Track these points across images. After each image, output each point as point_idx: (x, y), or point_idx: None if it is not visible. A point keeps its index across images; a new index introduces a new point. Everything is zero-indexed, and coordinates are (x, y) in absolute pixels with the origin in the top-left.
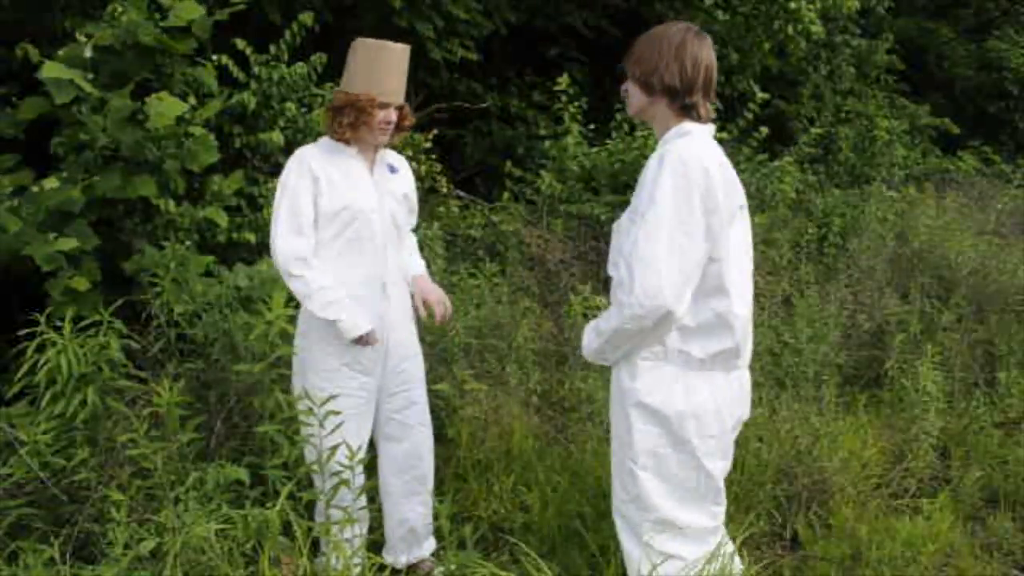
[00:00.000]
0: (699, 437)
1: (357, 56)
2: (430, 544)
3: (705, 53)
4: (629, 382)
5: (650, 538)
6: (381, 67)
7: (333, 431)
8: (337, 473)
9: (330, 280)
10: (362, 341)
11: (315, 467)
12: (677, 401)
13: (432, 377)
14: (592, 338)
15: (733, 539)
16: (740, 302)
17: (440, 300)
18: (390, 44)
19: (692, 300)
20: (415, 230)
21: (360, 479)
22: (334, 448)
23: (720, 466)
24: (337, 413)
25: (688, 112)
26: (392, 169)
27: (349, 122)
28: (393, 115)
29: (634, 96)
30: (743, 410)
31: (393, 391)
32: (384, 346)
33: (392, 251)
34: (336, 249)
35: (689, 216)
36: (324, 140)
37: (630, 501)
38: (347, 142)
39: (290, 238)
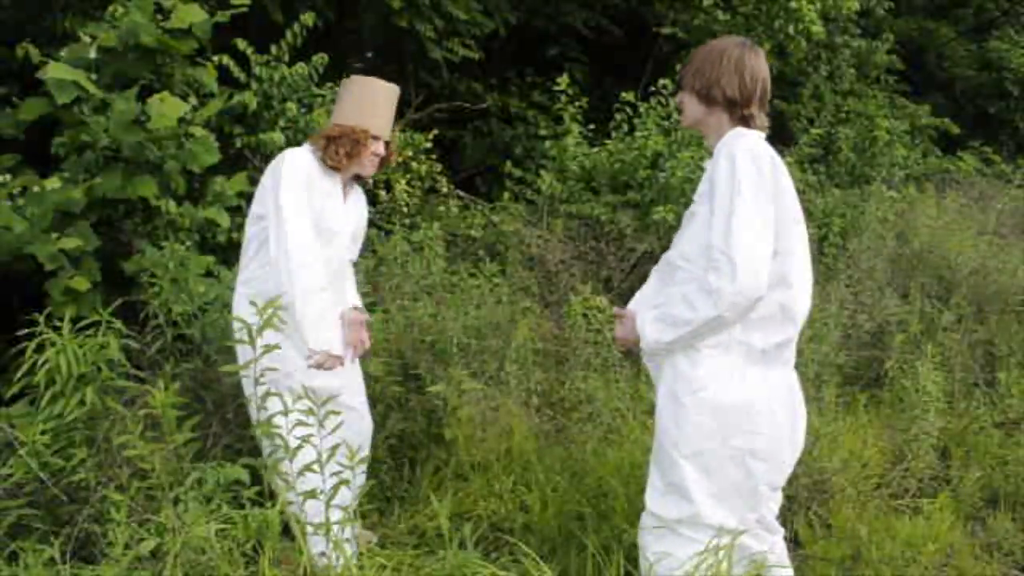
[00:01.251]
0: (747, 433)
1: (351, 91)
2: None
3: (761, 67)
4: (690, 370)
5: (676, 536)
6: (374, 103)
7: (335, 430)
8: (337, 473)
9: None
10: (326, 361)
11: (314, 467)
12: (733, 392)
13: (430, 378)
14: (662, 328)
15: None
16: (803, 296)
17: (363, 338)
18: (382, 82)
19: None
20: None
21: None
22: (335, 447)
23: (762, 468)
24: (338, 413)
25: (745, 123)
26: (358, 197)
27: (346, 152)
28: (382, 149)
29: (691, 107)
30: (799, 422)
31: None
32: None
33: (349, 279)
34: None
35: (766, 206)
36: (313, 153)
37: (669, 493)
38: (339, 170)
39: (307, 228)
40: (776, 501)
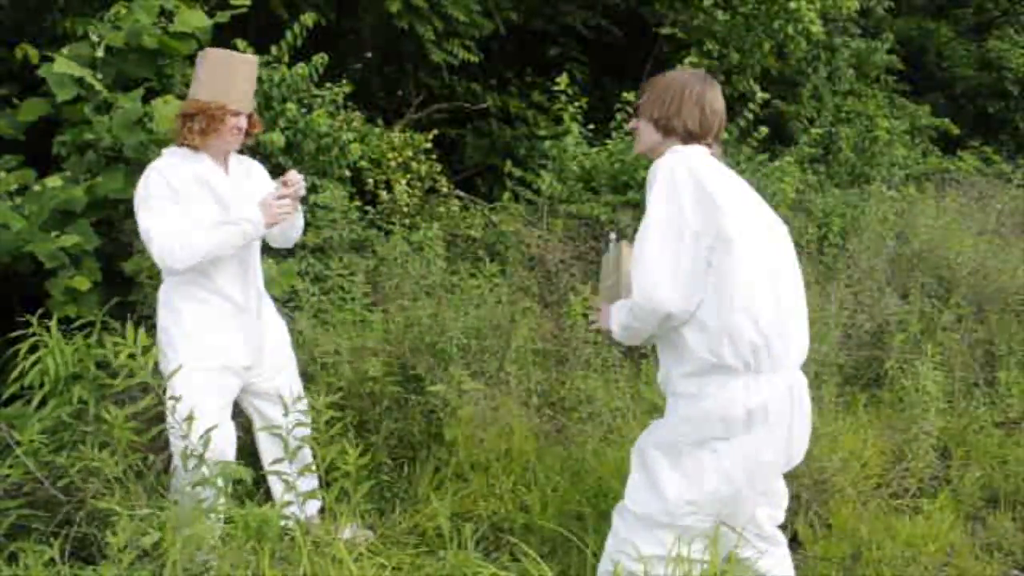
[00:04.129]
0: (724, 440)
1: (206, 65)
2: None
3: (719, 101)
4: (680, 381)
5: (646, 530)
6: (230, 76)
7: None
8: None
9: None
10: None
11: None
12: (709, 401)
13: (430, 378)
14: (617, 326)
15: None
16: (757, 305)
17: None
18: (238, 54)
19: (711, 302)
20: None
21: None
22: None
23: (741, 475)
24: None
25: None
26: (247, 174)
27: (200, 128)
28: (243, 122)
29: (647, 135)
30: (797, 425)
31: (264, 388)
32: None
33: (256, 255)
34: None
35: (679, 217)
36: (174, 150)
37: (646, 488)
38: (195, 148)
39: (170, 234)
40: (774, 507)
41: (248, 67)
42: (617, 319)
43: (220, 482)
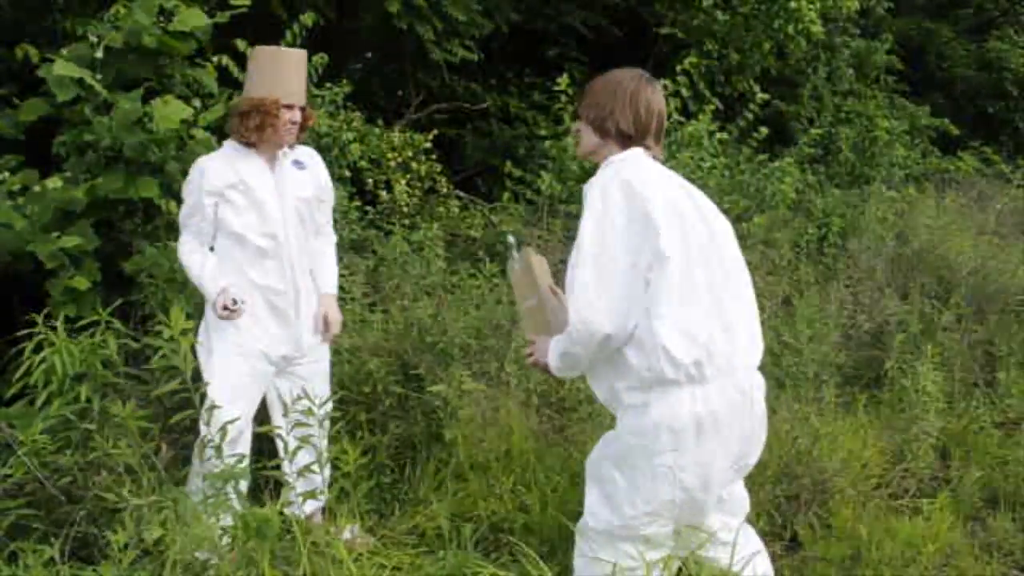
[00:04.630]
0: (671, 451)
1: (258, 62)
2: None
3: (657, 100)
4: (624, 396)
5: (609, 544)
6: (282, 71)
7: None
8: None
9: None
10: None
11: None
12: (653, 413)
13: (431, 379)
14: (554, 357)
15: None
16: (691, 315)
17: (336, 322)
18: (287, 49)
19: (645, 320)
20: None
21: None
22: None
23: (694, 481)
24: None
25: None
26: (299, 165)
27: (256, 125)
28: (298, 115)
29: (586, 137)
30: (751, 426)
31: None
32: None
33: (299, 251)
34: (245, 249)
35: (611, 238)
36: (227, 146)
37: (602, 504)
38: (253, 145)
39: (189, 239)
40: (727, 513)
41: (297, 60)
42: (554, 350)
43: (222, 483)
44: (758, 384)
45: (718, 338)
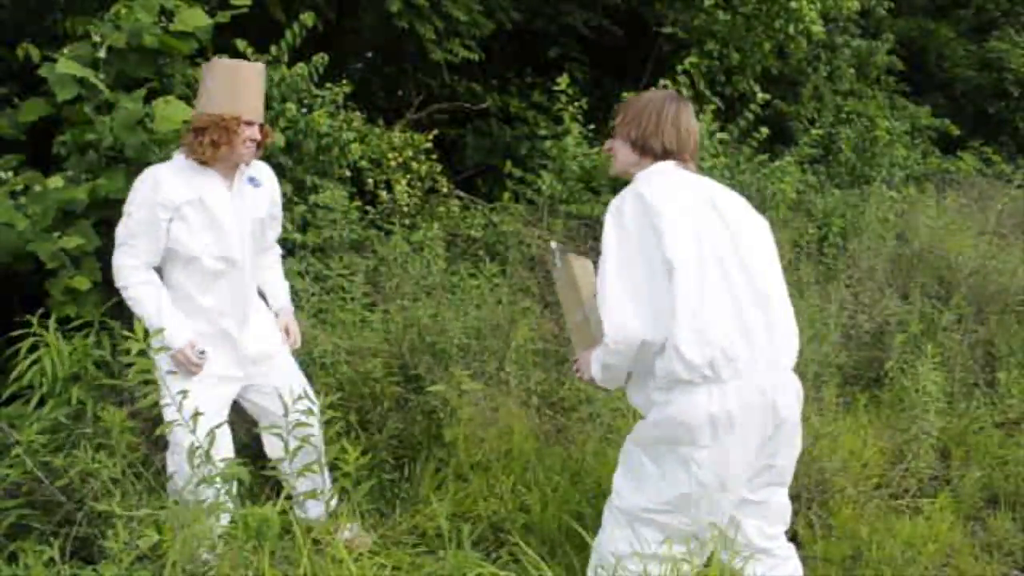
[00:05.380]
0: (690, 444)
1: (216, 77)
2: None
3: (693, 120)
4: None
5: (630, 526)
6: (241, 86)
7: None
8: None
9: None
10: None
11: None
12: (673, 408)
13: (430, 379)
14: (597, 369)
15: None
16: (706, 317)
17: (296, 334)
18: (246, 63)
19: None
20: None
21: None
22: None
23: (712, 480)
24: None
25: None
26: (254, 183)
27: (211, 141)
28: (257, 132)
29: (624, 155)
30: (777, 427)
31: (259, 389)
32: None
33: (251, 273)
34: (195, 272)
35: (630, 246)
36: (178, 160)
37: (630, 482)
38: (206, 163)
39: (126, 256)
40: (763, 519)
41: (257, 75)
42: (596, 362)
43: (220, 483)
44: (783, 385)
45: (736, 340)
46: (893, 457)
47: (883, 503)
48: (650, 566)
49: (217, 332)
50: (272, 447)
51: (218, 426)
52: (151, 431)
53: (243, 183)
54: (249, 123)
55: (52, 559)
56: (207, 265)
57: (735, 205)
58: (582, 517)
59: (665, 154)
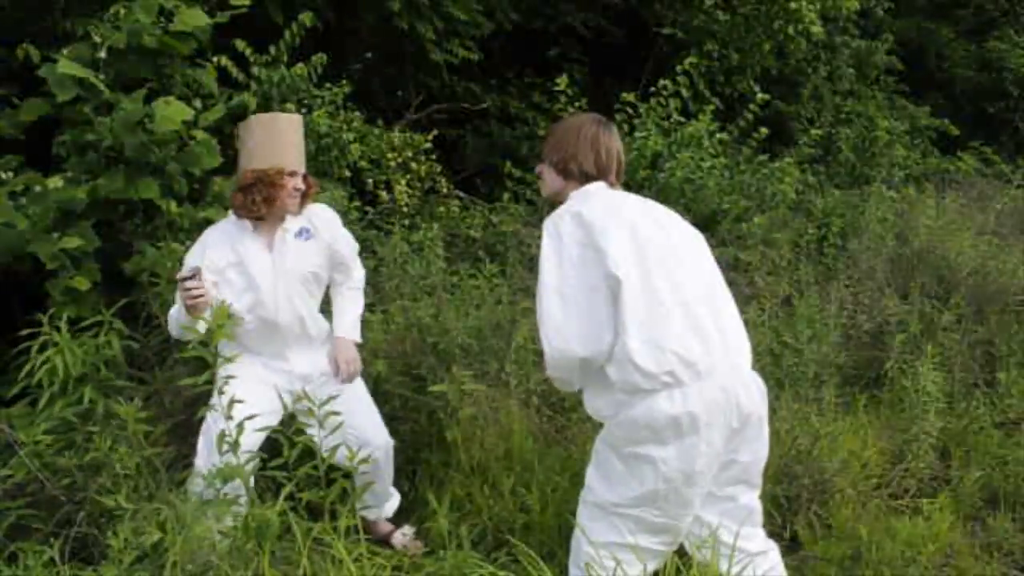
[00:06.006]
0: (656, 443)
1: (254, 134)
2: (392, 503)
3: (615, 142)
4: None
5: (605, 519)
6: (279, 138)
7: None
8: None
9: None
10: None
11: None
12: (637, 410)
13: (432, 378)
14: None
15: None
16: (661, 326)
17: (348, 360)
18: (283, 115)
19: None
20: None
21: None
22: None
23: (677, 476)
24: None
25: None
26: (305, 235)
27: (264, 198)
28: (300, 182)
29: (549, 179)
30: (737, 422)
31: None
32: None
33: (298, 324)
34: (244, 330)
35: (567, 264)
36: (230, 220)
37: (603, 478)
38: (261, 218)
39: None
40: (732, 519)
41: (294, 126)
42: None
43: (219, 482)
44: (745, 383)
45: (692, 344)
46: (893, 457)
47: (883, 503)
48: (625, 555)
49: (258, 369)
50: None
51: (249, 417)
52: (166, 423)
53: (287, 239)
54: (292, 174)
55: (52, 559)
56: (248, 321)
57: (669, 217)
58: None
59: (585, 176)
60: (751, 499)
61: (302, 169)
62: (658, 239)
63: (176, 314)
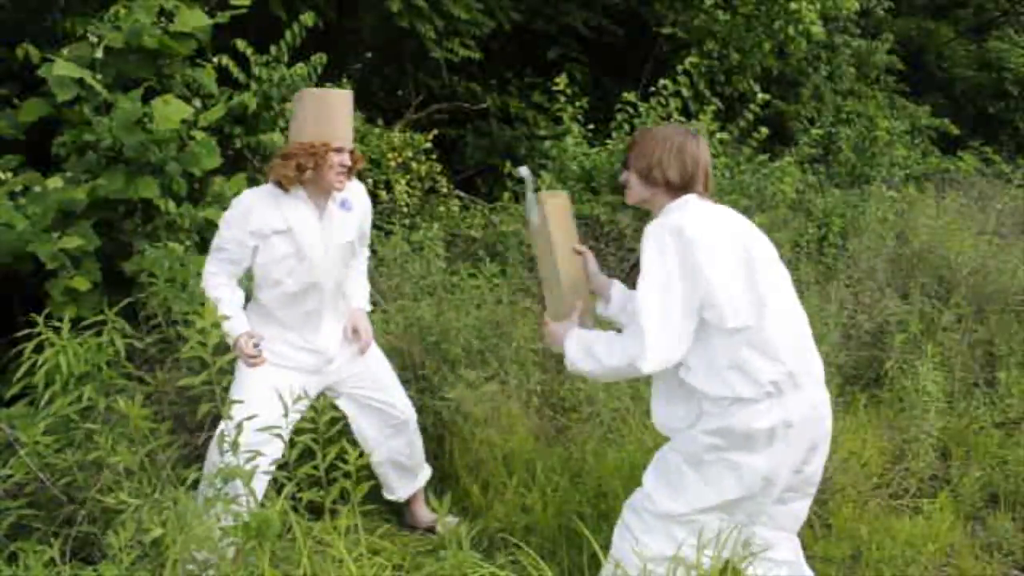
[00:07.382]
0: (743, 450)
1: (305, 106)
2: (424, 473)
3: (702, 152)
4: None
5: (660, 530)
6: (329, 113)
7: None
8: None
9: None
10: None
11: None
12: (732, 418)
13: (436, 379)
14: (582, 357)
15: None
16: (769, 331)
17: (366, 328)
18: (335, 91)
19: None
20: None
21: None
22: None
23: (758, 484)
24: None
25: None
26: (346, 206)
27: (297, 166)
28: (347, 159)
29: (635, 187)
30: (818, 440)
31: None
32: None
33: (335, 293)
34: (278, 293)
35: (671, 278)
36: (267, 185)
37: (666, 486)
38: (287, 189)
39: (212, 265)
40: (767, 527)
41: (345, 102)
42: (584, 348)
43: (219, 482)
44: (824, 399)
45: (792, 356)
46: (893, 457)
47: (883, 503)
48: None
49: (291, 341)
50: (371, 437)
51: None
52: (168, 421)
53: (334, 210)
54: (339, 150)
55: (52, 559)
56: (289, 289)
57: (756, 229)
58: (582, 517)
59: (670, 186)
60: (802, 508)
61: (349, 145)
62: (760, 251)
63: (224, 309)
